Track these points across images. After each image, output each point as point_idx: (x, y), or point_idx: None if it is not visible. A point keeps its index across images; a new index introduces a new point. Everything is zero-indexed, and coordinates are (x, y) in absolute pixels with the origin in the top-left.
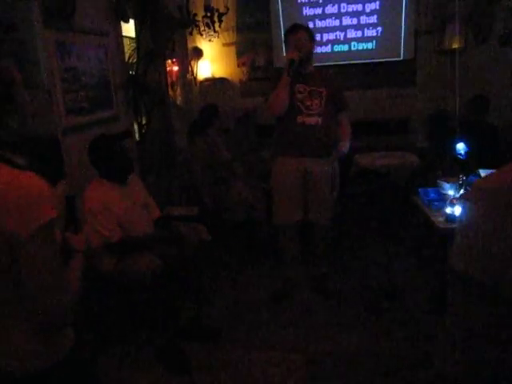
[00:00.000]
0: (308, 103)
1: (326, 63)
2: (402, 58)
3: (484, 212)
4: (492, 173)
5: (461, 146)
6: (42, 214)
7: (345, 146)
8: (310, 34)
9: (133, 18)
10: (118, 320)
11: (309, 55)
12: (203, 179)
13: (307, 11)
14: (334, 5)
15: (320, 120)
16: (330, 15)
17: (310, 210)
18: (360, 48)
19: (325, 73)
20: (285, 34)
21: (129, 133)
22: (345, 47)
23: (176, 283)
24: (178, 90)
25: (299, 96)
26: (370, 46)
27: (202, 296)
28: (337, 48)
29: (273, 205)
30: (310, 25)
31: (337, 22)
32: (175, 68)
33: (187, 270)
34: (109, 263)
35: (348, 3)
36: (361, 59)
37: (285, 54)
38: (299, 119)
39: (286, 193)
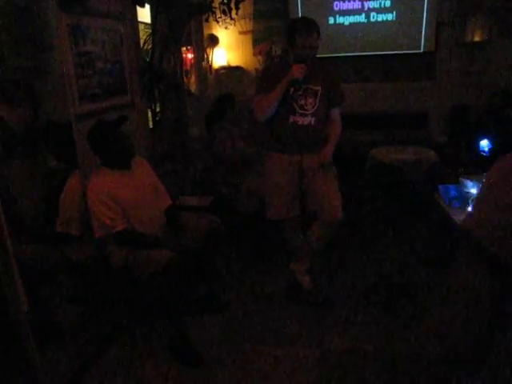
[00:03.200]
0: (302, 102)
1: (347, 54)
2: (422, 50)
3: (491, 183)
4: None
5: (485, 143)
6: None
7: (329, 154)
8: (319, 33)
9: (148, 2)
10: (129, 311)
11: (314, 54)
12: (221, 168)
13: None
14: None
15: (313, 120)
16: (351, 6)
17: (311, 203)
18: (379, 19)
19: (322, 66)
20: (290, 31)
21: (125, 118)
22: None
23: (188, 275)
24: (193, 78)
25: (294, 95)
26: (390, 17)
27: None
28: (355, 27)
29: (267, 200)
30: (332, 13)
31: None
32: (190, 55)
33: (199, 261)
34: (119, 257)
35: None
36: (381, 50)
37: (287, 47)
38: (291, 119)
39: (281, 188)
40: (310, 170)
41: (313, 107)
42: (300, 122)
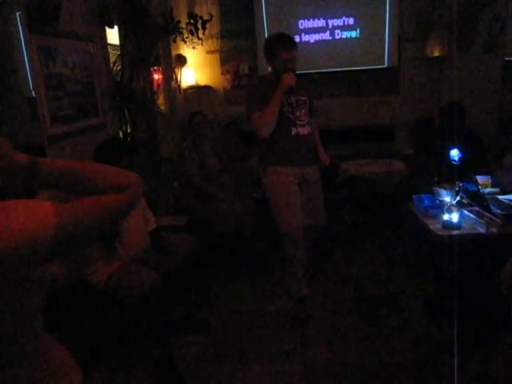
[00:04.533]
0: (297, 114)
1: (311, 70)
2: (386, 65)
3: None
4: None
5: (455, 153)
6: None
7: (327, 158)
8: (297, 47)
9: (117, 24)
10: (110, 335)
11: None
12: (192, 191)
13: (292, 19)
14: (319, 18)
15: (308, 130)
16: (316, 25)
17: (308, 215)
18: (344, 37)
19: (302, 79)
20: (272, 45)
21: (141, 146)
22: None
23: (169, 295)
24: (162, 98)
25: (289, 107)
26: (353, 34)
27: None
28: (321, 44)
29: (277, 213)
30: (297, 31)
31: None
32: (158, 76)
33: (178, 282)
34: (102, 277)
35: (332, 16)
36: (347, 66)
37: (267, 64)
38: (293, 131)
39: (290, 199)
40: (310, 181)
41: (306, 117)
42: (301, 133)
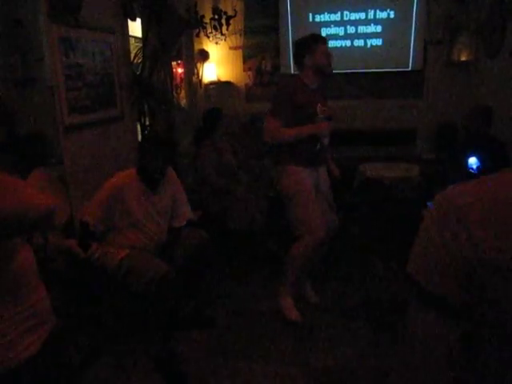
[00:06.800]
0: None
1: (334, 71)
2: (410, 68)
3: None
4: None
5: (473, 161)
6: None
7: (337, 171)
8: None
9: (140, 16)
10: (117, 323)
11: None
12: (211, 184)
13: (316, 17)
14: (343, 12)
15: (329, 137)
16: (340, 22)
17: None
18: (369, 45)
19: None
20: (310, 42)
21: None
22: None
23: (178, 290)
24: (183, 93)
25: (319, 118)
26: (379, 36)
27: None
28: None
29: (298, 213)
30: (320, 31)
31: (342, 30)
32: (180, 70)
33: (187, 277)
34: (113, 258)
35: (358, 11)
36: (370, 68)
37: (298, 64)
38: (319, 145)
39: (313, 198)
40: (323, 182)
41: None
42: (324, 143)
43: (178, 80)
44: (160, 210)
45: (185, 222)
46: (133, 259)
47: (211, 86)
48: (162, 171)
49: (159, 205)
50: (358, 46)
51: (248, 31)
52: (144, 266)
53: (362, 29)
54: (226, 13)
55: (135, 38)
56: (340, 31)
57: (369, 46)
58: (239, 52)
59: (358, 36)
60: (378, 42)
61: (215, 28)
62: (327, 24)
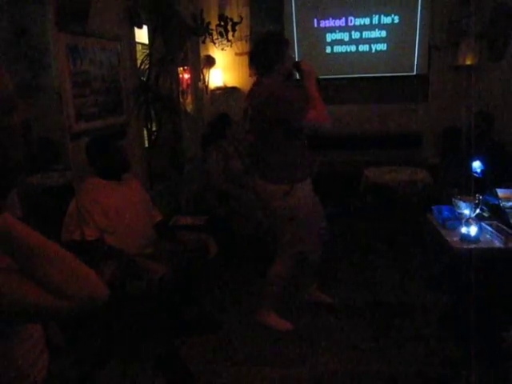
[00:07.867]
0: None
1: (338, 76)
2: (415, 72)
3: None
4: None
5: (477, 164)
6: None
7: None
8: None
9: (146, 24)
10: (118, 332)
11: None
12: (217, 189)
13: (321, 22)
14: (348, 17)
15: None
16: (345, 27)
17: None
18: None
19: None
20: (283, 45)
21: (123, 133)
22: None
23: (179, 291)
24: (189, 98)
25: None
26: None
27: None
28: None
29: (301, 232)
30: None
31: (347, 36)
32: (187, 76)
33: (190, 278)
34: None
35: (362, 16)
36: (375, 72)
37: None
38: (305, 143)
39: (316, 218)
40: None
41: None
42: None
43: (185, 86)
44: (138, 200)
45: (160, 217)
46: (126, 268)
47: (217, 92)
48: (124, 161)
49: (132, 194)
50: (363, 51)
51: (254, 37)
52: (140, 271)
53: (366, 34)
54: (231, 19)
55: (142, 44)
56: (345, 36)
57: (373, 50)
58: (245, 58)
59: (362, 41)
60: (382, 46)
61: (221, 34)
62: (332, 29)
